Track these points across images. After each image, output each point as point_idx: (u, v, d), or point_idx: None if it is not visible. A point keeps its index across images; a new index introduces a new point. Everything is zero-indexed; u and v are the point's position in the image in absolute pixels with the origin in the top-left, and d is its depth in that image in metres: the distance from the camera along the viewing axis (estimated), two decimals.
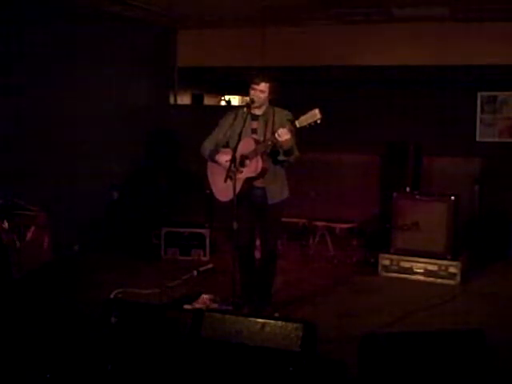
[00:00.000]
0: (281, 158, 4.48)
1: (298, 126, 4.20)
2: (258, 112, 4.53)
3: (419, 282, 6.00)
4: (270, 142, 4.31)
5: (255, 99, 4.43)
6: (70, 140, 6.53)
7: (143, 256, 6.69)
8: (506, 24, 6.91)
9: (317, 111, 4.14)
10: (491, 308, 5.21)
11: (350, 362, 3.25)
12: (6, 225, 4.74)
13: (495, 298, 5.48)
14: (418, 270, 6.06)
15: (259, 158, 4.37)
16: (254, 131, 4.50)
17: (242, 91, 4.61)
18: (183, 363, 3.17)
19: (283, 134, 4.20)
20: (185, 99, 9.18)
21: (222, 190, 4.43)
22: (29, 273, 4.96)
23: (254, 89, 4.45)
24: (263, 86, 4.44)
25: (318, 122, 4.14)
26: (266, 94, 4.47)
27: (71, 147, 6.55)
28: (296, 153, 4.47)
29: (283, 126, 4.25)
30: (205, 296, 4.99)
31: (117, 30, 7.22)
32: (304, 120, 4.18)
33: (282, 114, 4.50)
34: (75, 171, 6.59)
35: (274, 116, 4.50)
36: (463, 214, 6.45)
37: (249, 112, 4.44)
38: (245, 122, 4.37)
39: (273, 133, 4.31)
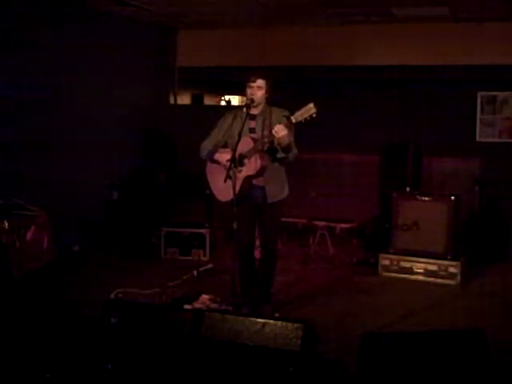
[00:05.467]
0: (279, 155, 4.48)
1: (293, 121, 4.20)
2: (255, 111, 4.53)
3: (419, 282, 6.00)
4: (266, 139, 4.31)
5: (254, 97, 4.43)
6: (69, 140, 6.52)
7: (143, 256, 6.69)
8: (506, 24, 6.92)
9: (311, 105, 4.14)
10: (491, 308, 5.20)
11: (349, 361, 3.26)
12: (5, 225, 4.74)
13: (495, 298, 5.48)
14: (418, 270, 6.06)
15: (258, 156, 4.36)
16: (252, 130, 4.50)
17: (242, 91, 4.61)
18: (183, 363, 3.17)
19: (280, 131, 4.20)
20: (185, 99, 9.19)
21: (222, 190, 4.42)
22: (29, 273, 4.95)
23: (251, 87, 4.45)
24: (260, 82, 4.45)
25: (314, 115, 4.13)
26: (263, 91, 4.47)
27: (71, 147, 6.55)
28: (294, 150, 4.47)
29: (280, 123, 4.25)
30: (205, 296, 4.99)
31: (117, 30, 7.22)
32: (299, 115, 4.18)
33: (279, 112, 4.49)
34: (75, 171, 6.58)
35: (271, 115, 4.50)
36: (463, 214, 6.46)
37: (248, 112, 4.44)
38: (244, 121, 4.36)
39: (270, 130, 4.32)
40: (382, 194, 7.28)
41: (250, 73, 4.51)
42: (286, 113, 4.37)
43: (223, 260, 6.20)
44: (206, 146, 4.64)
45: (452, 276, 5.92)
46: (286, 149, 4.38)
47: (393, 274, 6.16)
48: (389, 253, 6.24)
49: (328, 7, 6.65)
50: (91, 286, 5.39)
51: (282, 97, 4.61)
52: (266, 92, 4.50)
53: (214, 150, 4.58)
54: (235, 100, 9.83)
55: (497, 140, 7.41)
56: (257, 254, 4.89)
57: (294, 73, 7.85)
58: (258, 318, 3.22)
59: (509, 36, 6.94)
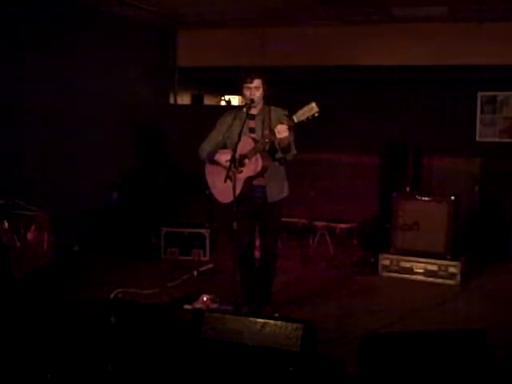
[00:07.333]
0: (278, 155, 4.47)
1: (296, 120, 4.16)
2: (254, 111, 4.51)
3: (419, 282, 6.00)
4: (267, 139, 4.29)
5: (254, 98, 4.42)
6: (70, 140, 6.52)
7: (143, 256, 6.69)
8: (506, 24, 6.91)
9: (314, 104, 4.10)
10: (491, 308, 5.21)
11: (349, 362, 3.26)
12: (6, 225, 4.74)
13: (495, 298, 5.48)
14: (418, 270, 6.06)
15: (258, 156, 4.35)
16: (251, 130, 4.49)
17: (241, 92, 4.59)
18: (183, 363, 3.17)
19: (282, 131, 4.18)
20: (185, 99, 9.18)
21: (222, 191, 4.40)
22: (29, 273, 4.95)
23: (249, 88, 4.43)
24: (257, 82, 4.43)
25: (316, 115, 4.10)
26: (261, 90, 4.46)
27: (71, 147, 6.54)
28: (293, 151, 4.46)
29: (281, 123, 4.22)
30: (205, 296, 4.98)
31: (117, 29, 7.21)
32: (301, 114, 4.14)
33: (279, 112, 4.48)
34: (75, 171, 6.58)
35: (269, 114, 4.49)
36: (463, 213, 6.46)
37: (247, 112, 4.43)
38: (243, 121, 4.35)
39: (271, 130, 4.30)
40: (382, 194, 7.29)
41: (245, 74, 4.48)
42: (286, 112, 4.36)
43: (223, 260, 6.19)
44: (206, 147, 4.63)
45: (452, 276, 5.93)
46: (286, 149, 4.37)
47: (393, 274, 6.16)
48: (389, 253, 6.24)
49: (328, 7, 6.65)
50: (91, 286, 5.39)
51: (282, 97, 4.60)
52: (264, 90, 4.49)
53: (214, 151, 4.57)
54: (235, 100, 9.82)
55: (497, 140, 7.42)
56: (257, 254, 4.89)
57: (294, 73, 7.85)
58: (258, 317, 3.22)
59: (509, 36, 6.94)
